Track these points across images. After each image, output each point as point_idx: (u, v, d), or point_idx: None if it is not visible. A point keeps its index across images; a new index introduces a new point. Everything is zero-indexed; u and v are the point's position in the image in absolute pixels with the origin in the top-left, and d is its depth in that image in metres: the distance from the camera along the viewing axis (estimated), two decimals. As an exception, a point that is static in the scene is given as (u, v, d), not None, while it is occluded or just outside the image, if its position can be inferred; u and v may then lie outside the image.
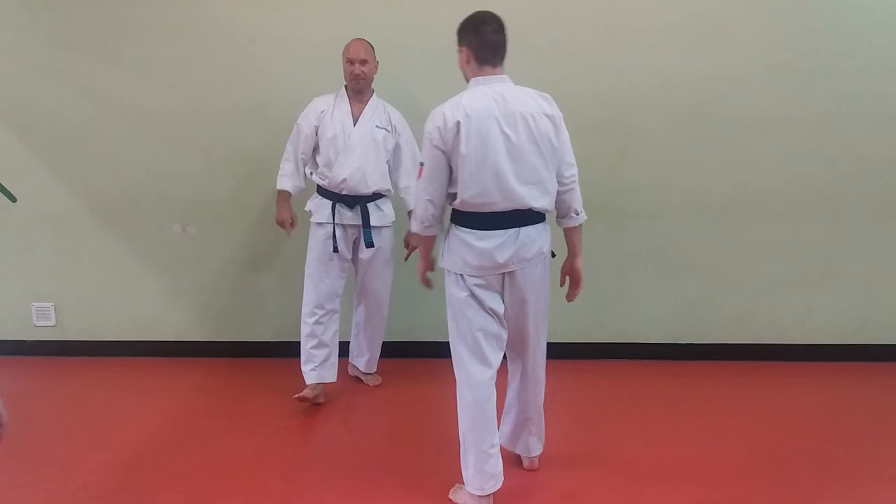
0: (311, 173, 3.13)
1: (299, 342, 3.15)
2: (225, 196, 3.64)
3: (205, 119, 3.57)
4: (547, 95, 2.24)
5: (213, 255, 3.71)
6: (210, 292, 3.74)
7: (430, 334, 3.63)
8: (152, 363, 3.69)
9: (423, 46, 3.45)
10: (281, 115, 3.32)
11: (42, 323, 3.80)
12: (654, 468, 2.55)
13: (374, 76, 3.10)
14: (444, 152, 2.14)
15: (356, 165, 2.99)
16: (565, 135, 2.25)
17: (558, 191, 2.26)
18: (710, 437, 2.80)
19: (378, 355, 3.39)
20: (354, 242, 3.13)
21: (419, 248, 2.38)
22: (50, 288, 3.76)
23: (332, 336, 3.15)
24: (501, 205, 2.16)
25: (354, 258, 3.18)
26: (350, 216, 3.06)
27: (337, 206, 3.04)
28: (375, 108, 3.09)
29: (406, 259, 3.24)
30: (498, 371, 2.33)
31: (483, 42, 2.18)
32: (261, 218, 3.66)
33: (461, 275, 2.22)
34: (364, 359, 3.37)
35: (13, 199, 3.30)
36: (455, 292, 2.25)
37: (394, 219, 3.19)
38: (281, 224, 3.14)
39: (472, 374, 2.24)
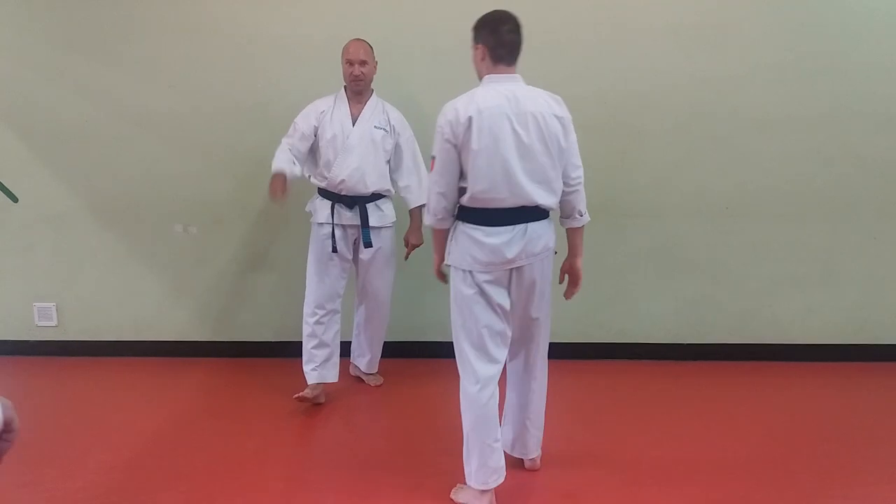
0: (310, 176, 3.13)
1: (300, 342, 3.15)
2: (225, 196, 3.64)
3: (205, 119, 3.57)
4: (558, 97, 2.26)
5: (214, 255, 3.71)
6: (211, 292, 3.75)
7: (431, 334, 3.64)
8: (153, 363, 3.69)
9: (423, 46, 3.45)
10: (281, 115, 3.32)
11: (43, 323, 3.80)
12: (654, 468, 2.56)
13: (374, 76, 3.09)
14: (454, 146, 2.16)
15: (354, 166, 2.99)
16: (573, 137, 2.28)
17: (564, 191, 2.29)
18: (710, 437, 2.81)
19: (379, 355, 3.39)
20: (355, 242, 3.13)
21: (433, 243, 2.38)
22: (51, 288, 3.77)
23: (333, 336, 3.15)
24: (509, 201, 2.18)
25: (355, 258, 3.18)
26: (349, 216, 3.06)
27: (336, 206, 3.04)
28: (374, 108, 3.08)
29: (406, 258, 3.24)
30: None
31: (500, 41, 2.20)
32: (261, 218, 3.66)
33: (469, 271, 2.23)
34: (365, 359, 3.37)
35: (15, 199, 3.31)
36: (462, 289, 2.26)
37: (394, 219, 3.19)
38: (272, 193, 2.94)
39: (477, 370, 2.26)
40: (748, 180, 3.55)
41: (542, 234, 2.26)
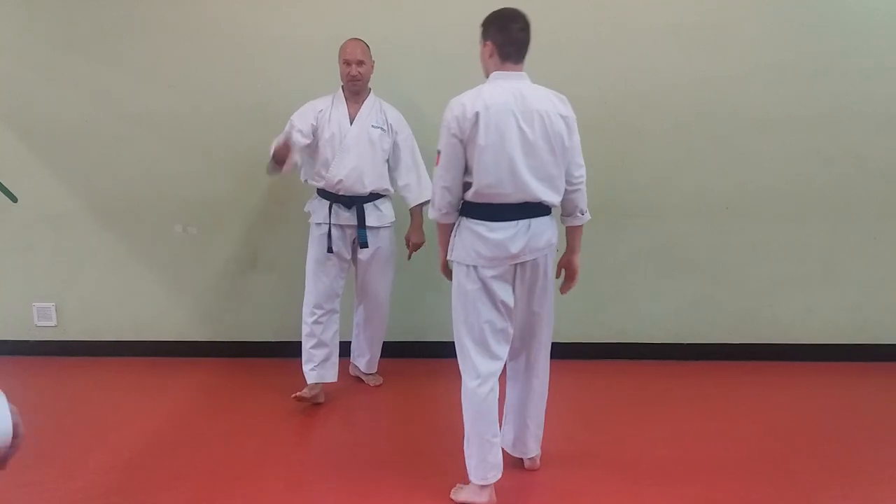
0: (307, 180, 3.12)
1: (300, 342, 3.15)
2: (225, 196, 3.64)
3: (205, 119, 3.57)
4: (563, 97, 2.28)
5: (214, 255, 3.71)
6: (210, 292, 3.75)
7: (431, 334, 3.64)
8: (153, 363, 3.69)
9: (423, 47, 3.45)
10: (281, 115, 3.30)
11: (43, 323, 3.80)
12: (654, 468, 2.56)
13: (371, 76, 3.09)
14: (460, 141, 2.17)
15: (352, 165, 2.99)
16: (577, 136, 2.30)
17: (567, 190, 2.31)
18: (710, 437, 2.81)
19: (379, 355, 3.39)
20: (353, 242, 3.13)
21: (437, 238, 2.39)
22: (51, 288, 3.77)
23: (331, 336, 3.15)
24: (514, 197, 2.20)
25: (354, 258, 3.18)
26: (347, 216, 3.06)
27: (334, 206, 3.04)
28: (372, 107, 3.08)
29: (409, 258, 3.24)
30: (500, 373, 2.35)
31: (509, 39, 2.22)
32: (261, 218, 3.66)
33: (473, 267, 2.24)
34: (365, 359, 3.37)
35: (14, 200, 3.31)
36: (465, 284, 2.27)
37: (393, 219, 3.19)
38: (279, 157, 2.80)
39: (477, 365, 2.27)
40: (748, 180, 3.55)
41: (545, 230, 2.28)
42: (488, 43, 2.26)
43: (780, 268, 3.63)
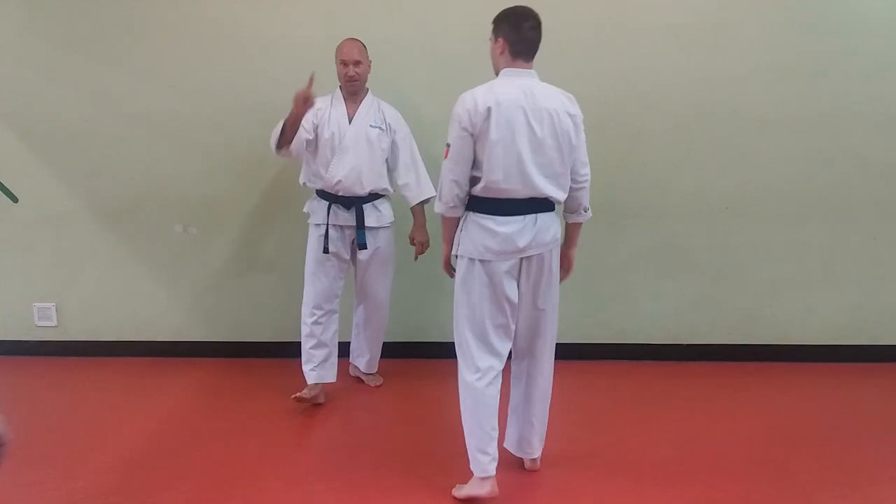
0: (305, 183, 3.12)
1: (299, 342, 3.15)
2: (225, 196, 3.64)
3: (205, 119, 3.57)
4: (571, 96, 2.31)
5: (214, 255, 3.71)
6: (210, 292, 3.75)
7: (431, 335, 3.64)
8: (153, 363, 3.69)
9: (423, 47, 3.45)
10: (281, 115, 3.31)
11: (43, 323, 3.80)
12: (655, 468, 2.56)
13: (368, 75, 3.08)
14: (471, 135, 2.18)
15: (351, 165, 2.99)
16: (583, 136, 2.34)
17: (572, 188, 2.35)
18: (710, 437, 2.80)
19: (379, 356, 3.39)
20: (352, 243, 3.13)
21: (442, 232, 2.39)
22: (51, 288, 3.77)
23: (331, 336, 3.15)
24: (522, 192, 2.22)
25: (353, 258, 3.18)
26: (346, 217, 3.05)
27: (332, 206, 3.04)
28: (370, 107, 3.08)
29: (416, 258, 3.23)
30: (502, 373, 2.36)
31: (521, 37, 2.24)
32: (261, 218, 3.66)
33: (480, 261, 2.26)
34: (364, 359, 3.37)
35: (15, 200, 3.31)
36: (470, 279, 2.29)
37: (392, 219, 3.19)
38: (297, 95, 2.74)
39: (477, 359, 2.30)
40: (748, 180, 3.55)
41: (551, 226, 2.31)
42: (499, 40, 2.27)
43: (780, 268, 3.63)
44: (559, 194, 2.29)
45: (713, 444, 2.75)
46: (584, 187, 2.39)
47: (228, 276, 3.73)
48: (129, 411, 3.10)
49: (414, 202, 3.16)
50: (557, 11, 3.43)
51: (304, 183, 3.12)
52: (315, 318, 3.10)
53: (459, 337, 2.35)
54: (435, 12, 3.44)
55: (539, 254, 2.29)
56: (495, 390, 2.32)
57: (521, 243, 2.24)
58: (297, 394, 3.02)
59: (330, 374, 3.15)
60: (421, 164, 3.17)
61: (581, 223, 2.47)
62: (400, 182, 3.16)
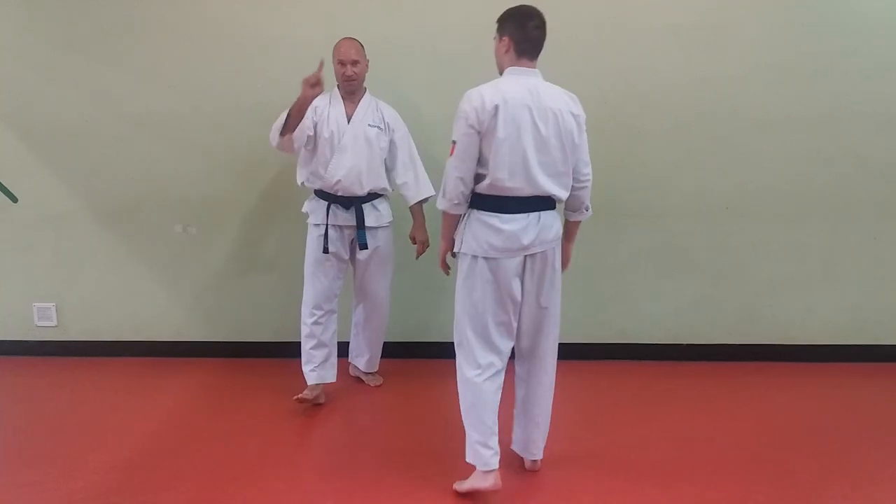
0: (303, 183, 3.11)
1: (299, 342, 3.15)
2: (225, 196, 3.64)
3: (205, 119, 3.57)
4: (574, 96, 2.33)
5: (214, 255, 3.71)
6: (210, 292, 3.75)
7: (431, 335, 3.64)
8: (153, 363, 3.69)
9: (423, 47, 3.45)
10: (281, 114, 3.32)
11: (43, 323, 3.80)
12: (655, 468, 2.56)
13: (366, 74, 3.07)
14: (478, 132, 2.19)
15: (350, 165, 2.98)
16: (585, 136, 2.36)
17: (574, 187, 2.37)
18: (710, 437, 2.81)
19: (379, 355, 3.39)
20: (351, 243, 3.13)
21: (442, 229, 2.40)
22: (51, 288, 3.77)
23: (330, 336, 3.15)
24: (526, 190, 2.24)
25: (352, 258, 3.18)
26: (345, 217, 3.05)
27: (332, 206, 3.04)
28: (368, 106, 3.07)
29: (417, 257, 3.23)
30: (505, 374, 2.38)
31: (526, 36, 2.26)
32: (261, 218, 3.66)
33: (483, 258, 2.27)
34: (364, 358, 3.37)
35: (14, 200, 3.30)
36: (473, 276, 2.29)
37: (391, 219, 3.19)
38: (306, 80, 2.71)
39: (478, 356, 2.31)
40: (748, 180, 3.55)
41: (553, 223, 2.33)
42: (504, 38, 2.28)
43: (780, 268, 3.63)
44: (562, 193, 2.31)
45: (713, 443, 2.75)
46: (587, 187, 2.41)
47: (228, 275, 3.73)
48: (129, 411, 3.10)
49: (413, 201, 3.16)
50: (557, 11, 3.41)
51: (303, 183, 3.12)
52: (315, 318, 3.10)
53: (460, 334, 2.35)
54: (435, 12, 3.44)
55: (542, 252, 2.30)
56: (495, 385, 2.33)
57: (526, 241, 2.25)
58: (299, 395, 3.02)
59: (330, 374, 3.15)
60: (419, 163, 3.17)
61: (581, 221, 2.50)
62: (398, 181, 3.16)
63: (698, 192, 3.57)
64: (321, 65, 2.70)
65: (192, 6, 3.49)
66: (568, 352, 3.32)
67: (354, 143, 3.00)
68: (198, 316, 3.77)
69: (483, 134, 2.18)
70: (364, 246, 3.06)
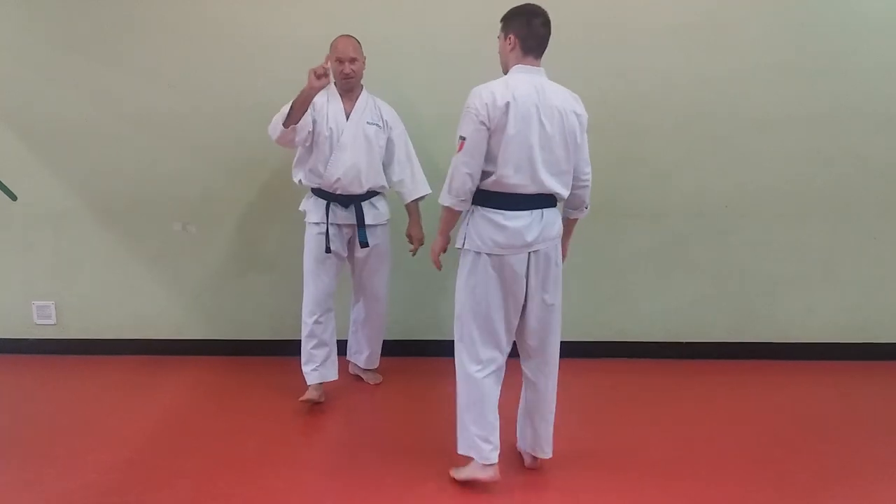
0: (300, 181, 3.10)
1: (298, 340, 3.15)
2: (224, 195, 3.64)
3: (205, 119, 3.57)
4: (577, 95, 2.36)
5: (213, 253, 3.71)
6: (209, 291, 3.75)
7: (430, 333, 3.64)
8: (152, 361, 3.69)
9: (423, 47, 3.45)
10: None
11: (42, 321, 3.80)
12: (655, 466, 2.56)
13: (363, 72, 3.06)
14: (488, 129, 2.20)
15: (350, 163, 2.98)
16: (586, 135, 2.38)
17: (575, 186, 2.39)
18: (710, 436, 2.81)
19: (379, 352, 3.39)
20: (349, 241, 3.13)
21: (442, 225, 2.40)
22: (50, 286, 3.77)
23: (330, 335, 3.15)
24: (531, 188, 2.25)
25: (350, 256, 3.18)
26: (344, 215, 3.05)
27: (331, 205, 3.03)
28: (366, 104, 3.07)
29: (413, 254, 3.23)
30: (505, 374, 2.39)
31: (532, 33, 2.27)
32: (260, 217, 3.66)
33: (487, 255, 2.27)
34: (364, 355, 3.37)
35: (14, 198, 3.30)
36: (476, 273, 2.30)
37: (388, 216, 3.19)
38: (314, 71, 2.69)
39: (480, 353, 2.32)
40: (748, 180, 3.55)
41: (555, 221, 2.35)
42: (510, 36, 2.29)
43: (780, 267, 3.63)
44: (563, 191, 2.32)
45: (713, 442, 2.75)
46: (587, 186, 2.44)
47: (227, 274, 3.73)
48: (129, 409, 3.10)
49: (409, 199, 3.16)
50: (558, 11, 3.41)
51: (300, 181, 3.11)
52: (316, 317, 3.09)
53: (461, 331, 2.36)
54: (435, 12, 3.44)
55: (545, 249, 2.31)
56: (495, 381, 2.35)
57: (529, 238, 2.26)
58: (304, 397, 3.03)
59: (332, 373, 3.15)
60: (416, 161, 3.17)
61: (579, 218, 2.53)
62: (395, 179, 3.16)
63: (698, 191, 3.57)
64: (328, 57, 2.73)
65: (192, 6, 3.49)
66: (568, 350, 3.32)
67: (354, 140, 2.99)
68: (197, 314, 3.77)
69: (493, 131, 2.19)
70: (365, 244, 3.06)
